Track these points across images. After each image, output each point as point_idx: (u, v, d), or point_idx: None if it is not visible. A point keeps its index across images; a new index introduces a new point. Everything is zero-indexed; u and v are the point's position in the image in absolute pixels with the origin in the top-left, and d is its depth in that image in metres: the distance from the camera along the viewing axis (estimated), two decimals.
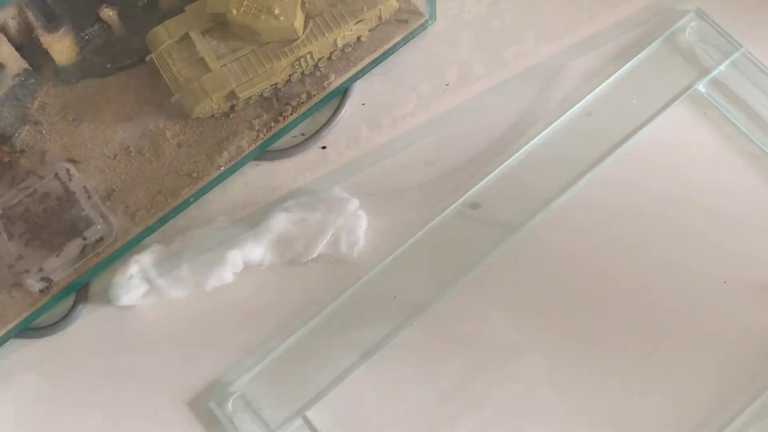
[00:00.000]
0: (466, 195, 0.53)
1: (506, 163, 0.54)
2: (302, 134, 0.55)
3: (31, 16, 0.52)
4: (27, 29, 0.53)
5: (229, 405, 0.49)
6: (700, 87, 0.54)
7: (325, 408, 0.49)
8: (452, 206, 0.53)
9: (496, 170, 0.54)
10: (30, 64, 0.54)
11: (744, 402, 0.48)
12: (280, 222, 0.53)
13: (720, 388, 0.49)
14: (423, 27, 0.57)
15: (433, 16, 0.56)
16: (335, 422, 0.49)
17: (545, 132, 0.54)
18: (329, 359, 0.50)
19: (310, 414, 0.49)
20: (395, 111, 0.56)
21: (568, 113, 0.55)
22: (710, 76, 0.55)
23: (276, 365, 0.50)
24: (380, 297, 0.52)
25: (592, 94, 0.55)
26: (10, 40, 0.52)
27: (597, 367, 0.50)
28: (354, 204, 0.52)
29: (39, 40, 0.53)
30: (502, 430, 0.49)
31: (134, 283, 0.51)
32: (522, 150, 0.54)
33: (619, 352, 0.50)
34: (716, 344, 0.50)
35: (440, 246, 0.53)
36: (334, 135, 0.55)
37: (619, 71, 0.55)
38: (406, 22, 0.57)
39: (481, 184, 0.53)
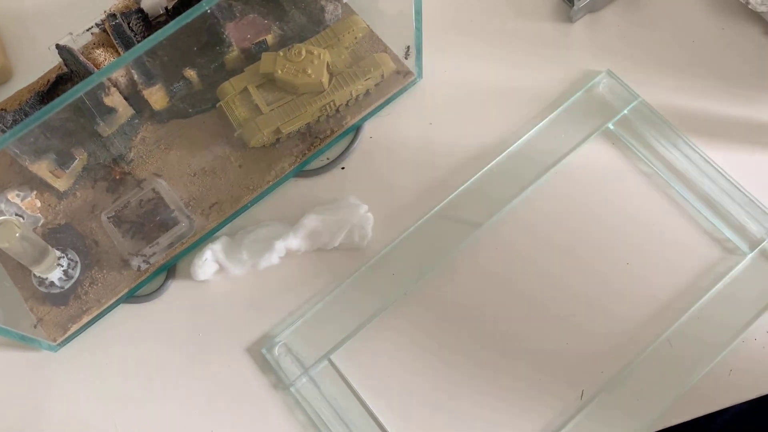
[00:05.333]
0: (444, 201, 0.55)
1: (473, 178, 0.55)
2: (327, 158, 0.57)
3: (135, 76, 0.54)
4: (132, 84, 0.55)
5: (276, 350, 0.51)
6: (610, 125, 0.56)
7: (344, 353, 0.51)
8: (435, 209, 0.54)
9: (466, 183, 0.55)
10: (134, 109, 0.56)
11: (641, 346, 0.49)
12: (312, 221, 0.54)
13: (621, 338, 0.50)
14: (413, 82, 0.59)
15: (420, 75, 0.59)
16: (351, 362, 0.51)
17: (501, 156, 0.56)
18: (347, 318, 0.52)
19: (333, 357, 0.51)
20: (393, 142, 0.58)
21: (517, 143, 0.56)
22: (617, 117, 0.57)
23: (309, 322, 0.52)
24: (383, 274, 0.53)
25: (534, 129, 0.57)
26: (120, 92, 0.54)
27: (534, 323, 0.51)
28: (364, 208, 0.54)
29: (141, 92, 0.55)
30: (468, 360, 0.50)
31: (208, 264, 0.53)
32: (485, 168, 0.55)
33: (550, 312, 0.51)
34: (623, 307, 0.51)
35: (426, 238, 0.54)
36: (350, 159, 0.57)
37: (553, 113, 0.57)
38: (401, 78, 0.58)
39: (454, 193, 0.55)
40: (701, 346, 0.49)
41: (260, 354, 0.51)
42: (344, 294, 0.53)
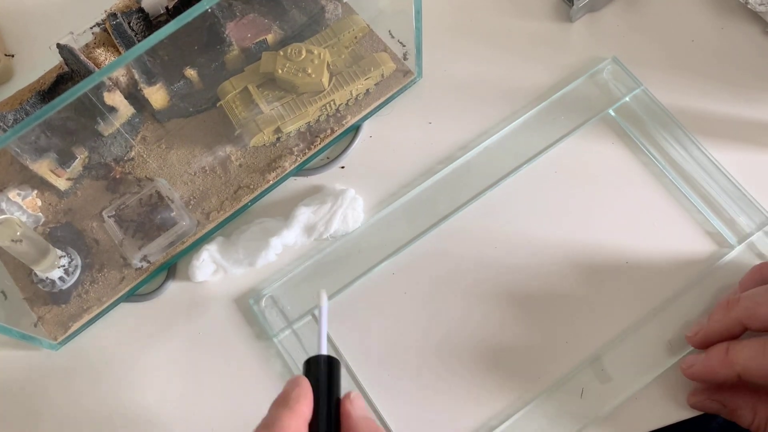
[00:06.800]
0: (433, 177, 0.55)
1: (475, 149, 0.56)
2: (327, 158, 0.58)
3: (136, 75, 0.54)
4: (133, 84, 0.55)
5: (262, 302, 0.53)
6: (611, 111, 0.57)
7: (328, 309, 0.51)
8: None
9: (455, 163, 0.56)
10: (135, 108, 0.56)
11: (627, 334, 0.50)
12: (304, 213, 0.54)
13: (606, 326, 0.50)
14: (413, 82, 0.59)
15: (420, 74, 0.59)
16: (332, 317, 0.52)
17: (500, 132, 0.57)
18: (334, 277, 0.53)
19: (317, 311, 0.50)
20: (393, 142, 0.58)
21: (516, 121, 0.57)
22: (618, 104, 0.57)
23: (296, 279, 0.53)
24: (372, 238, 0.54)
25: (534, 109, 0.57)
26: (121, 91, 0.54)
27: (507, 309, 0.51)
28: (351, 192, 0.55)
29: (142, 91, 0.55)
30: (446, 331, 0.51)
31: (205, 265, 0.53)
32: (482, 144, 0.56)
33: (540, 297, 0.51)
34: (622, 306, 0.51)
35: (419, 208, 0.55)
36: (349, 158, 0.58)
37: (554, 95, 0.58)
38: (401, 78, 0.59)
39: (448, 166, 0.55)
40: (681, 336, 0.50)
41: (247, 304, 0.53)
42: (329, 257, 0.54)
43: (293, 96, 0.56)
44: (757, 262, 0.51)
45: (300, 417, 0.37)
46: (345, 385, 0.49)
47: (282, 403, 0.37)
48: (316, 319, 0.52)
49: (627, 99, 0.57)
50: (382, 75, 0.58)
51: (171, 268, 0.55)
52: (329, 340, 0.51)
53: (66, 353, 0.53)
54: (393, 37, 0.59)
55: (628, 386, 0.48)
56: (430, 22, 0.59)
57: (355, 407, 0.39)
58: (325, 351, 0.42)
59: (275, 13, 0.57)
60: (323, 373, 0.40)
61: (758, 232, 0.52)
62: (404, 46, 0.58)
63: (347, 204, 0.54)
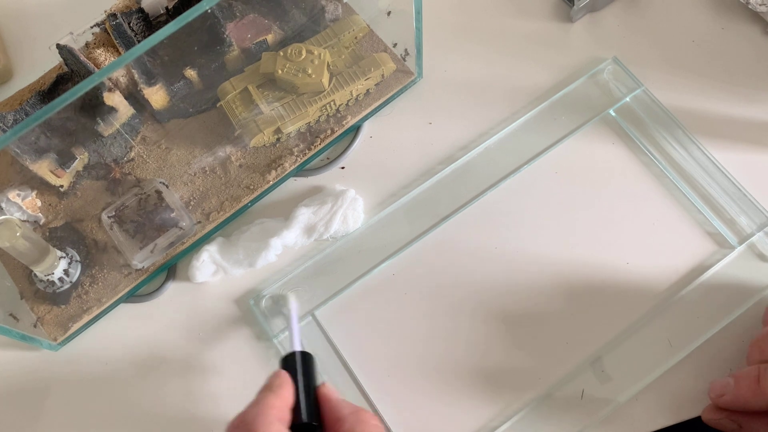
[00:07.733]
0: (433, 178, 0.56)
1: (475, 149, 0.56)
2: (327, 158, 0.58)
3: (136, 75, 0.54)
4: (133, 84, 0.55)
5: (263, 303, 0.53)
6: (611, 111, 0.57)
7: (328, 310, 0.52)
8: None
9: (466, 154, 0.56)
10: (135, 109, 0.56)
11: (625, 333, 0.50)
12: (304, 214, 0.54)
13: (603, 323, 0.50)
14: (413, 82, 0.59)
15: (420, 74, 0.59)
16: (332, 318, 0.52)
17: (501, 133, 0.57)
18: (332, 280, 0.53)
19: (317, 313, 0.52)
20: (393, 142, 0.58)
21: (516, 121, 0.57)
22: (618, 104, 0.57)
23: (296, 279, 0.54)
24: (366, 244, 0.54)
25: (535, 110, 0.57)
26: (121, 92, 0.54)
27: (519, 302, 0.51)
28: (351, 192, 0.55)
29: (141, 92, 0.55)
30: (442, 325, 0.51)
31: (205, 265, 0.53)
32: (482, 144, 0.56)
33: (537, 292, 0.51)
34: (622, 306, 0.51)
35: (419, 209, 0.55)
36: (350, 159, 0.58)
37: (555, 96, 0.58)
38: (401, 78, 0.58)
39: (452, 166, 0.55)
40: (679, 334, 0.50)
41: (248, 305, 0.53)
42: (333, 254, 0.54)
43: (293, 96, 0.56)
44: (758, 262, 0.52)
45: (283, 399, 0.41)
46: (345, 383, 0.50)
47: (266, 388, 0.42)
48: (316, 320, 0.52)
49: (627, 99, 0.57)
50: (383, 75, 0.58)
51: (171, 269, 0.55)
52: (329, 341, 0.51)
53: (66, 354, 0.53)
54: (393, 37, 0.59)
55: (629, 387, 0.48)
56: (430, 22, 0.59)
57: (332, 392, 0.43)
58: (299, 348, 0.46)
59: (275, 13, 0.57)
60: (299, 365, 0.44)
61: (759, 232, 0.52)
62: (404, 46, 0.58)
63: (347, 204, 0.54)
